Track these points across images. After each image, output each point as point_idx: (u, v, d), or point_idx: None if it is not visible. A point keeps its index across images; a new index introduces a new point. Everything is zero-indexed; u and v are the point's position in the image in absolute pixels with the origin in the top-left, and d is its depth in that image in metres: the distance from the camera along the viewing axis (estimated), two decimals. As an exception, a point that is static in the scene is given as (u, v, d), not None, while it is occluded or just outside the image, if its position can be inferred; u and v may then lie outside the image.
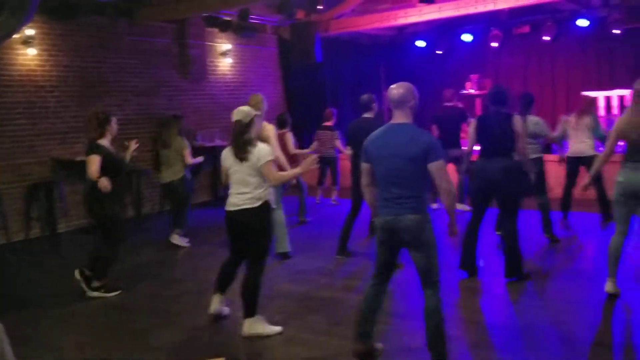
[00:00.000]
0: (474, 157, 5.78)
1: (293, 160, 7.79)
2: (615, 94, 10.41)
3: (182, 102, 10.38)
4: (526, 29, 12.26)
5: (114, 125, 5.64)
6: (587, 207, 7.86)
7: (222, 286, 4.71)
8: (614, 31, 10.94)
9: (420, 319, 4.61)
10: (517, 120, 5.37)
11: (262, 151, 4.36)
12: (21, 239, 8.22)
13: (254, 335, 4.40)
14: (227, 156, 4.48)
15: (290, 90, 12.61)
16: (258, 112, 4.73)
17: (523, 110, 6.40)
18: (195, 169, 8.00)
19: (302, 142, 10.63)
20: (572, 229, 7.47)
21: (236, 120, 4.43)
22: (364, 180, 3.87)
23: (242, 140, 4.37)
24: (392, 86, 3.76)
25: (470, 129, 5.80)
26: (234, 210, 4.43)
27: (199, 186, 10.52)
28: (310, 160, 4.53)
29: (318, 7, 10.27)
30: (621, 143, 4.90)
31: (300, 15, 10.92)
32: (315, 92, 12.98)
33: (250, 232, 4.42)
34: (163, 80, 10.13)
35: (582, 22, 11.28)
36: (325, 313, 4.89)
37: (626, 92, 9.49)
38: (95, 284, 5.54)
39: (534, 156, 6.40)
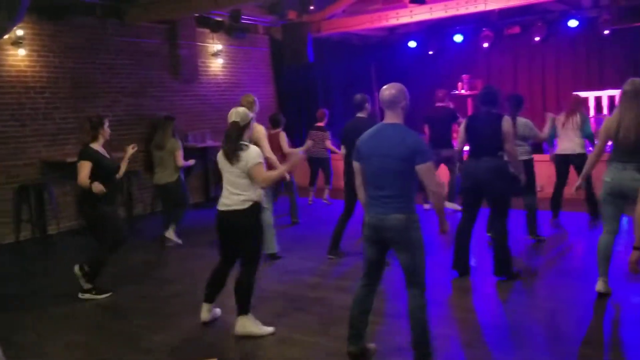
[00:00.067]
0: (464, 157, 5.81)
1: (287, 159, 7.81)
2: (605, 94, 10.48)
3: (172, 103, 10.35)
4: (516, 29, 12.33)
5: (106, 129, 5.63)
6: (577, 206, 7.91)
7: (211, 294, 4.70)
8: (604, 32, 11.02)
9: (412, 318, 4.65)
10: (506, 121, 5.39)
11: (251, 154, 4.34)
12: (11, 241, 8.16)
13: (246, 335, 4.40)
14: (220, 157, 4.49)
15: (282, 90, 12.60)
16: (252, 115, 4.73)
17: (512, 111, 6.43)
18: (186, 171, 7.99)
19: (294, 143, 10.62)
20: (563, 228, 7.52)
21: (232, 122, 4.41)
22: (357, 179, 3.89)
23: (234, 143, 4.36)
24: (384, 87, 3.78)
25: (460, 129, 5.82)
26: (224, 210, 4.44)
27: (190, 187, 10.44)
28: (295, 156, 4.59)
29: (310, 7, 10.28)
30: (609, 143, 4.93)
31: (291, 15, 10.92)
32: (306, 93, 13.00)
33: (239, 233, 4.41)
34: (153, 81, 10.10)
35: (572, 23, 11.36)
36: (317, 313, 4.89)
37: (616, 93, 9.55)
38: (87, 285, 5.51)
39: (524, 158, 6.43)
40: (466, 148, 5.80)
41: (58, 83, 8.70)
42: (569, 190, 7.42)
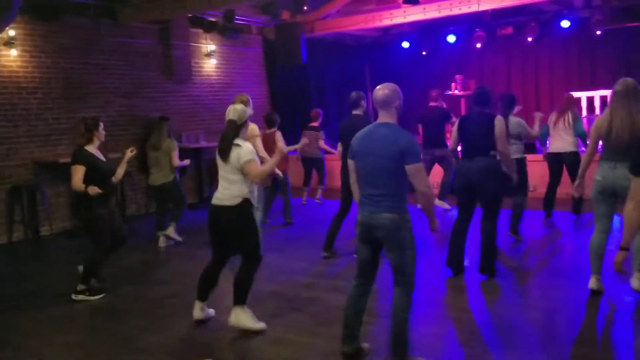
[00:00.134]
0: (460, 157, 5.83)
1: (285, 159, 8.00)
2: (597, 94, 10.53)
3: (166, 103, 10.33)
4: (509, 30, 12.38)
5: (102, 131, 5.60)
6: (570, 206, 7.92)
7: (203, 292, 4.71)
8: (596, 32, 11.08)
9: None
10: (499, 121, 5.40)
11: (243, 151, 4.38)
12: (4, 242, 8.13)
13: (238, 326, 4.45)
14: (217, 154, 4.54)
15: (276, 91, 12.60)
16: (250, 112, 4.77)
17: (505, 111, 6.45)
18: (181, 171, 8.00)
19: (287, 143, 10.59)
20: (556, 227, 7.54)
21: (229, 120, 4.44)
22: (351, 177, 3.90)
23: (229, 141, 4.39)
24: (377, 87, 3.79)
25: (453, 129, 5.84)
26: (216, 205, 4.49)
27: (184, 188, 10.42)
28: (281, 148, 4.79)
29: (303, 8, 10.28)
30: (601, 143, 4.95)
31: (285, 16, 10.93)
32: (300, 93, 13.00)
33: (231, 230, 4.46)
34: (147, 81, 10.07)
35: (565, 23, 11.42)
36: (311, 313, 4.89)
37: (608, 93, 9.59)
38: (80, 287, 5.49)
39: (517, 157, 6.46)
40: (459, 148, 5.81)
41: (50, 83, 8.66)
42: (565, 190, 7.46)
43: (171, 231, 7.55)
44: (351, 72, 13.85)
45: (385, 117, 3.73)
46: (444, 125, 8.85)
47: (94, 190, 5.27)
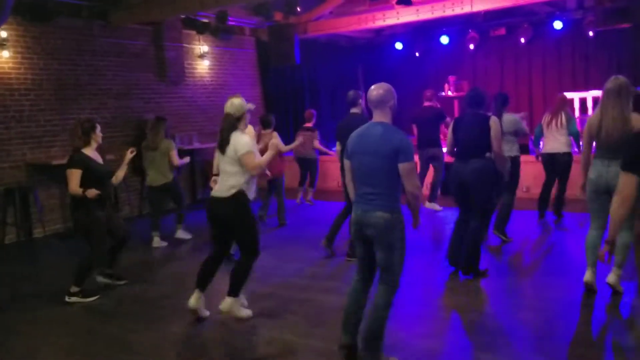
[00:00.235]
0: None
1: (282, 158, 8.08)
2: (589, 95, 10.58)
3: (159, 105, 10.29)
4: (502, 31, 12.43)
5: (99, 133, 5.56)
6: (564, 206, 7.95)
7: (202, 282, 4.75)
8: (589, 33, 11.14)
9: (405, 311, 4.67)
10: (494, 122, 5.41)
11: (240, 142, 4.49)
12: (-4, 245, 8.08)
13: (227, 314, 4.60)
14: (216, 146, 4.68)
15: (269, 92, 12.59)
16: (251, 106, 4.80)
17: (498, 110, 6.47)
18: (176, 171, 7.98)
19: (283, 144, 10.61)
20: (550, 227, 7.56)
21: (227, 113, 4.55)
22: (347, 176, 3.93)
23: (226, 133, 4.52)
24: (371, 87, 3.81)
25: (448, 131, 5.85)
26: (214, 196, 4.62)
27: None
28: (275, 144, 4.93)
29: (296, 9, 10.28)
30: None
31: (278, 17, 10.91)
32: (293, 94, 13.01)
33: (227, 222, 4.56)
34: (139, 83, 10.04)
35: (557, 25, 11.47)
36: (305, 314, 4.87)
37: (600, 93, 9.65)
38: (73, 289, 5.46)
39: (512, 154, 6.47)
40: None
41: (43, 85, 8.62)
42: (572, 192, 7.42)
43: (180, 232, 7.77)
44: (344, 73, 13.87)
45: (380, 117, 3.75)
46: (438, 125, 8.86)
47: (92, 193, 5.24)
